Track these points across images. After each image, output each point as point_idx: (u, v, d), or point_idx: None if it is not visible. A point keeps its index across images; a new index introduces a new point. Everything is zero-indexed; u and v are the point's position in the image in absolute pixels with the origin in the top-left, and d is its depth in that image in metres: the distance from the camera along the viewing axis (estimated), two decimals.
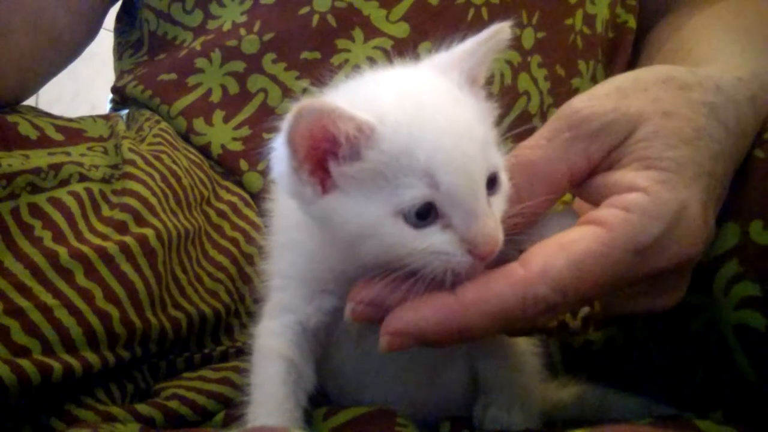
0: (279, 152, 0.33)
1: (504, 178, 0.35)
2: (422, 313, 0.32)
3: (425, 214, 0.32)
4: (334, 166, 0.32)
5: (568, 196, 0.59)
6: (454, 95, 0.35)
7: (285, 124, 0.31)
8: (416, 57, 0.58)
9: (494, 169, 0.34)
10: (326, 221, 0.34)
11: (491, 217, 0.33)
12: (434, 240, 0.32)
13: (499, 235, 0.33)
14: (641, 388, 0.43)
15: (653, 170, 0.34)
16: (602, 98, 0.37)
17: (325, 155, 0.32)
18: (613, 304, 0.37)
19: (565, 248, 0.32)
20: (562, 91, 0.62)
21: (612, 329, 0.45)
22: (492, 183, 0.34)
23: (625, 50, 0.67)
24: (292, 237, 0.39)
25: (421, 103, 0.33)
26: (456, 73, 0.36)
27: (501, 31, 0.36)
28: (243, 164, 0.59)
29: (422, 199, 0.32)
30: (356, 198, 0.32)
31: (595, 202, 0.36)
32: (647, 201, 0.33)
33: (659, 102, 0.36)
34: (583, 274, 0.32)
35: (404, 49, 0.59)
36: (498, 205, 0.34)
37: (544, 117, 0.61)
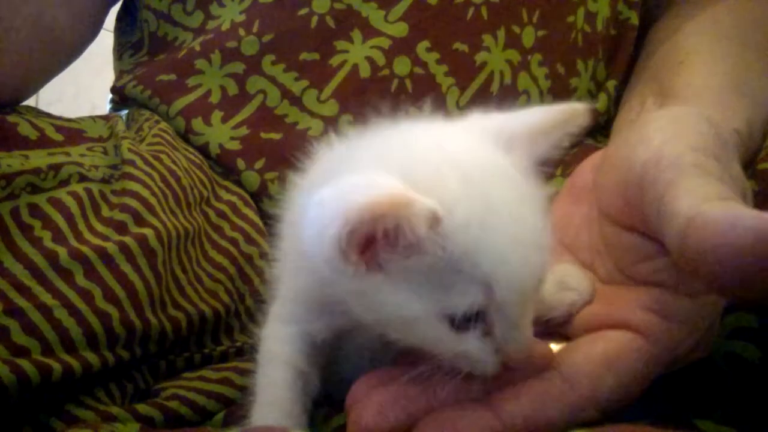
0: (326, 219, 0.27)
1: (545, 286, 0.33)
2: None
3: (469, 318, 0.30)
4: (385, 251, 0.29)
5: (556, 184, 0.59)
6: (523, 188, 0.31)
7: (339, 199, 0.27)
8: (420, 63, 0.58)
9: (546, 269, 0.31)
10: (360, 297, 0.31)
11: (529, 329, 0.31)
12: (472, 346, 0.30)
13: (530, 347, 0.31)
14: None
15: None
16: None
17: (377, 237, 0.28)
18: None
19: (613, 368, 0.31)
20: (561, 91, 0.62)
21: None
22: None
23: (627, 48, 0.67)
24: (305, 264, 0.36)
25: (491, 199, 0.29)
26: (523, 154, 0.31)
27: (579, 115, 0.32)
28: (240, 163, 0.59)
29: (474, 306, 0.29)
30: (401, 288, 0.29)
31: (617, 253, 0.35)
32: (690, 310, 0.32)
33: None
34: (625, 393, 0.32)
35: (402, 48, 0.59)
36: (535, 308, 0.32)
37: None
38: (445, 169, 0.30)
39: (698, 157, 0.31)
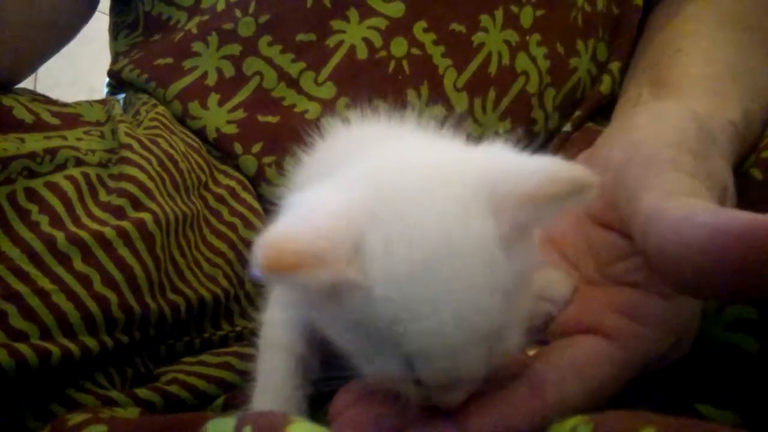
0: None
1: (518, 336, 0.30)
2: None
3: None
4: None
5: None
6: (484, 268, 0.27)
7: (257, 248, 0.26)
8: (417, 43, 0.58)
9: (496, 354, 0.28)
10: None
11: (464, 391, 0.29)
12: (402, 387, 0.29)
13: (465, 397, 0.29)
14: (638, 379, 0.43)
15: None
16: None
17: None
18: None
19: (580, 375, 0.31)
20: (560, 71, 0.62)
21: None
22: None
23: (630, 29, 0.66)
24: None
25: (431, 274, 0.26)
26: (510, 218, 0.27)
27: (587, 190, 0.27)
28: (237, 147, 0.59)
29: (397, 376, 0.28)
30: (341, 326, 0.29)
31: (595, 251, 0.35)
32: (664, 312, 0.31)
33: None
34: (593, 399, 0.31)
35: (399, 28, 0.59)
36: (492, 366, 0.29)
37: (541, 97, 0.61)
38: (398, 230, 0.27)
39: (671, 154, 0.31)
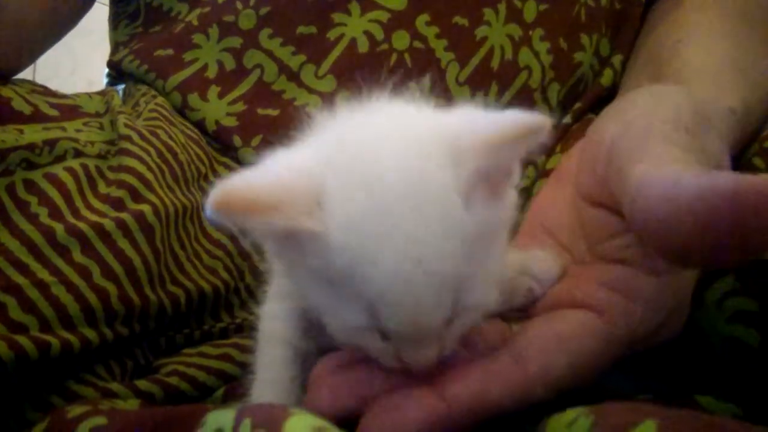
0: None
1: (491, 299, 0.30)
2: (409, 428, 0.28)
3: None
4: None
5: (553, 161, 0.59)
6: (440, 212, 0.27)
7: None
8: (419, 37, 0.57)
9: (467, 306, 0.29)
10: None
11: (435, 346, 0.29)
12: (370, 344, 0.29)
13: (440, 355, 0.29)
14: (638, 368, 0.43)
15: None
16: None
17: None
18: None
19: (565, 346, 0.30)
20: (564, 66, 0.61)
21: None
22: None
23: (632, 23, 0.65)
24: None
25: (386, 217, 0.26)
26: (469, 165, 0.28)
27: (540, 130, 0.28)
28: (237, 140, 0.59)
29: (361, 326, 0.28)
30: (306, 278, 0.29)
31: (587, 230, 0.34)
32: (654, 289, 0.31)
33: None
34: (579, 373, 0.31)
35: (401, 21, 0.58)
36: (464, 325, 0.30)
37: (544, 92, 0.60)
38: (357, 179, 0.27)
39: (665, 129, 0.31)
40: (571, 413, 0.26)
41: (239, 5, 0.60)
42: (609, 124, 0.34)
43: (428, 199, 0.27)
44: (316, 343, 0.38)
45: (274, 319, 0.39)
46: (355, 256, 0.26)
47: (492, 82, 0.59)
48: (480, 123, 0.29)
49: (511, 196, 0.31)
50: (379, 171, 0.27)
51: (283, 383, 0.37)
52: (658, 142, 0.30)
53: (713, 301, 0.37)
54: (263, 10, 0.60)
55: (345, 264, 0.27)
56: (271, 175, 0.28)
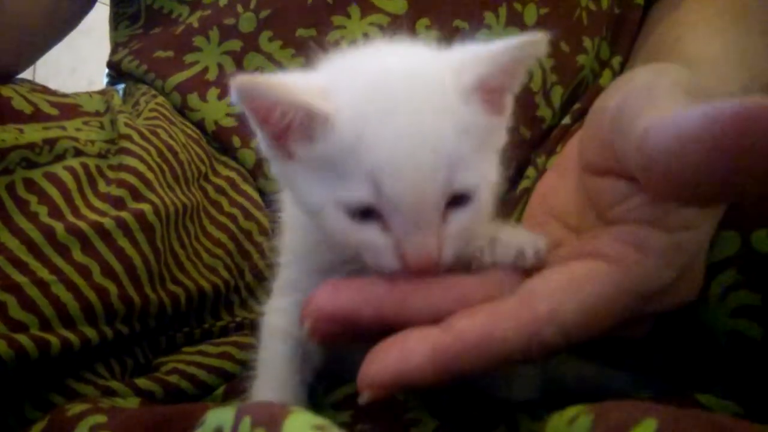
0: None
1: (483, 197, 0.32)
2: (413, 360, 0.28)
3: (366, 212, 0.31)
4: (291, 141, 0.32)
5: (554, 161, 0.58)
6: (438, 101, 0.31)
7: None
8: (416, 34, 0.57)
9: (462, 188, 0.31)
10: (289, 184, 0.34)
11: (434, 233, 0.30)
12: (369, 238, 0.31)
13: (439, 253, 0.30)
14: (639, 366, 0.43)
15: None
16: None
17: (277, 131, 0.32)
18: None
19: (576, 289, 0.30)
20: (566, 68, 0.61)
21: None
22: (459, 199, 0.31)
23: (631, 27, 0.65)
24: (293, 212, 0.39)
25: (389, 101, 0.30)
26: (466, 76, 0.31)
27: (536, 44, 0.31)
28: (236, 140, 0.59)
29: (362, 202, 0.30)
30: (309, 175, 0.32)
31: (595, 200, 0.34)
32: (666, 244, 0.31)
33: None
34: (590, 319, 0.30)
35: (401, 25, 0.58)
36: (461, 221, 0.31)
37: (546, 95, 0.60)
38: (356, 74, 0.32)
39: (668, 90, 0.31)
40: (571, 411, 0.26)
41: (240, 8, 0.61)
42: (611, 96, 0.34)
43: (428, 90, 0.31)
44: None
45: (276, 313, 0.39)
46: (360, 131, 0.30)
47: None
48: (481, 47, 0.32)
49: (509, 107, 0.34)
50: (383, 68, 0.32)
51: (282, 379, 0.37)
52: (662, 98, 0.30)
53: (716, 294, 0.37)
54: (263, 13, 0.60)
55: (352, 140, 0.30)
56: (288, 76, 0.32)
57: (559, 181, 0.39)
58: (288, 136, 0.31)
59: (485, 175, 0.32)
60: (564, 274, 0.31)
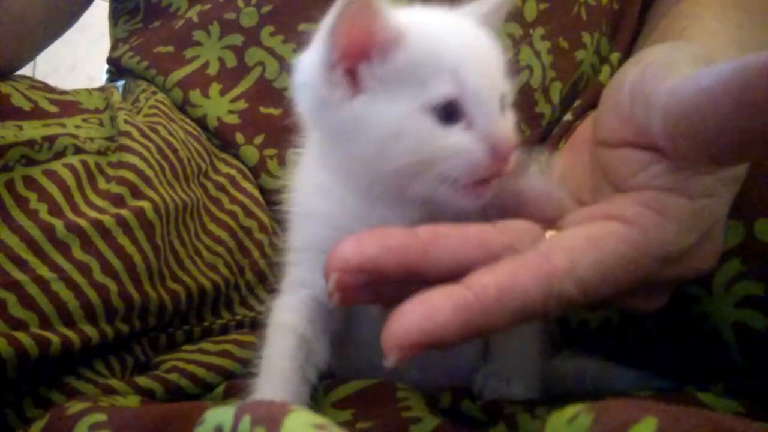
0: (310, 58, 0.35)
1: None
2: (438, 318, 0.28)
3: (450, 115, 0.34)
4: (364, 67, 0.34)
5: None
6: (474, 24, 0.37)
7: (329, 18, 0.33)
8: None
9: (507, 92, 0.36)
10: (352, 127, 0.34)
11: (509, 122, 0.35)
12: (458, 138, 0.33)
13: (515, 137, 0.34)
14: (640, 364, 0.43)
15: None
16: None
17: (356, 58, 0.34)
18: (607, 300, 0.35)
19: (594, 246, 0.30)
20: (565, 64, 0.61)
21: (608, 309, 0.45)
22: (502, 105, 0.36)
23: (630, 22, 0.65)
24: (309, 206, 0.39)
25: (445, 18, 0.36)
26: (472, 17, 0.38)
27: None
28: (239, 137, 0.59)
29: (448, 95, 0.33)
30: (384, 99, 0.34)
31: (613, 172, 0.34)
32: (687, 210, 0.31)
33: None
34: (608, 276, 0.30)
35: None
36: (507, 117, 0.36)
37: (546, 91, 0.60)
38: (405, 13, 0.35)
39: (688, 60, 0.31)
40: (571, 409, 0.26)
41: (241, 3, 0.60)
42: (628, 71, 0.34)
43: (466, 19, 0.37)
44: (326, 338, 0.39)
45: (284, 310, 0.39)
46: (440, 40, 0.34)
47: None
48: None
49: None
50: (428, 13, 0.37)
51: (283, 377, 0.37)
52: (685, 66, 0.30)
53: (720, 285, 0.37)
54: (265, 9, 0.60)
55: (430, 47, 0.34)
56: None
57: (572, 160, 0.39)
58: (360, 63, 0.33)
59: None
60: (583, 233, 0.31)
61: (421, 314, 0.28)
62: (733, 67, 0.26)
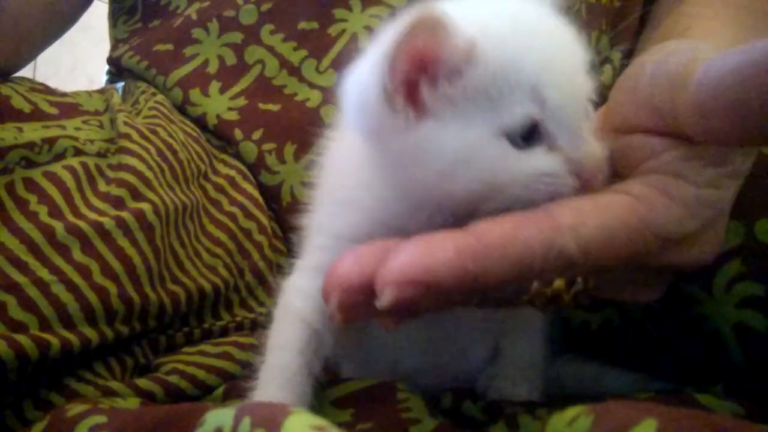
0: (366, 77, 0.31)
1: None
2: (438, 256, 0.26)
3: (529, 135, 0.30)
4: (428, 91, 0.30)
5: None
6: (554, 15, 0.33)
7: (392, 39, 0.28)
8: None
9: (591, 93, 0.32)
10: (417, 153, 0.31)
11: (596, 140, 0.31)
12: (540, 162, 0.30)
13: (604, 154, 0.32)
14: (640, 365, 0.43)
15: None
16: None
17: (419, 79, 0.30)
18: (604, 288, 0.35)
19: (600, 209, 0.30)
20: None
21: (608, 310, 0.45)
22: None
23: (632, 21, 0.65)
24: (352, 195, 0.36)
25: (523, 15, 0.31)
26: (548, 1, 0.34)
27: None
28: (238, 133, 0.59)
29: (528, 117, 0.30)
30: (453, 123, 0.30)
31: (623, 159, 0.34)
32: (693, 196, 0.31)
33: None
34: (609, 242, 0.30)
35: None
36: (589, 127, 0.33)
37: None
38: (475, 7, 0.32)
39: (710, 50, 0.31)
40: (571, 411, 0.26)
41: (240, 0, 0.60)
42: (646, 60, 0.34)
43: (546, 10, 0.33)
44: (335, 329, 0.38)
45: (298, 294, 0.38)
46: (513, 52, 0.30)
47: None
48: None
49: None
50: (503, 5, 0.33)
51: (288, 375, 0.36)
52: (708, 53, 0.30)
53: (721, 286, 0.37)
54: (265, 6, 0.60)
55: (505, 63, 0.30)
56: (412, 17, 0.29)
57: None
58: (423, 85, 0.30)
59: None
60: (590, 198, 0.31)
61: (421, 250, 0.27)
62: (764, 45, 0.25)
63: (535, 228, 0.28)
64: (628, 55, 0.65)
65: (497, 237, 0.28)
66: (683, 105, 0.29)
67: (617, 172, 0.34)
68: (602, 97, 0.67)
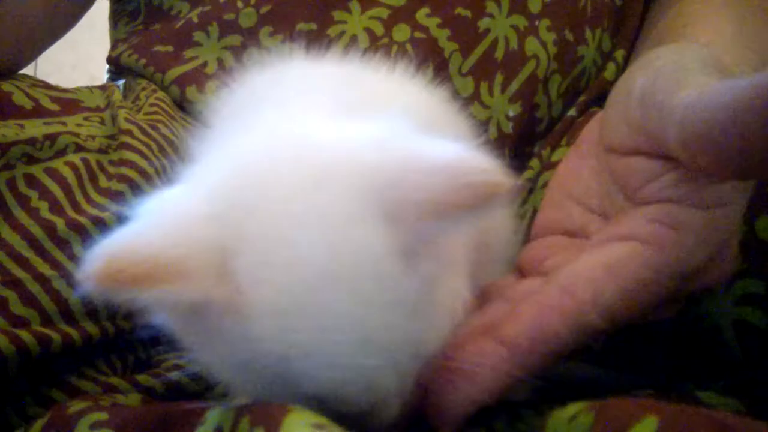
0: None
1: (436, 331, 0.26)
2: (482, 385, 0.29)
3: None
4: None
5: (559, 153, 0.58)
6: (379, 278, 0.22)
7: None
8: (421, 27, 0.57)
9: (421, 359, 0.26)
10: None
11: (395, 405, 0.26)
12: None
13: (400, 410, 0.27)
14: (639, 363, 0.43)
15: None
16: None
17: None
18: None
19: (613, 273, 0.30)
20: (567, 58, 0.61)
21: None
22: None
23: (632, 19, 0.65)
24: None
25: (319, 298, 0.22)
26: (410, 229, 0.23)
27: (498, 194, 0.22)
28: None
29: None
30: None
31: (623, 180, 0.34)
32: (701, 221, 0.31)
33: None
34: (630, 303, 0.30)
35: (401, 16, 0.58)
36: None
37: (545, 83, 0.60)
38: (276, 248, 0.22)
39: (699, 66, 0.31)
40: (572, 408, 0.26)
41: (240, 3, 0.60)
42: (636, 76, 0.33)
43: (361, 272, 0.22)
44: None
45: None
46: (283, 348, 0.22)
47: (497, 72, 0.58)
48: (420, 168, 0.22)
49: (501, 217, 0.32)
50: (297, 238, 0.22)
51: None
52: (697, 74, 0.30)
53: (721, 283, 0.37)
54: (264, 9, 0.60)
55: (272, 355, 0.22)
56: (164, 231, 0.23)
57: (579, 164, 0.39)
58: None
59: (442, 323, 0.26)
60: (601, 258, 0.31)
61: (468, 390, 0.29)
62: (753, 83, 0.25)
63: (559, 316, 0.29)
64: (631, 54, 0.65)
65: (527, 342, 0.29)
66: (672, 141, 0.29)
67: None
68: (602, 91, 0.66)
